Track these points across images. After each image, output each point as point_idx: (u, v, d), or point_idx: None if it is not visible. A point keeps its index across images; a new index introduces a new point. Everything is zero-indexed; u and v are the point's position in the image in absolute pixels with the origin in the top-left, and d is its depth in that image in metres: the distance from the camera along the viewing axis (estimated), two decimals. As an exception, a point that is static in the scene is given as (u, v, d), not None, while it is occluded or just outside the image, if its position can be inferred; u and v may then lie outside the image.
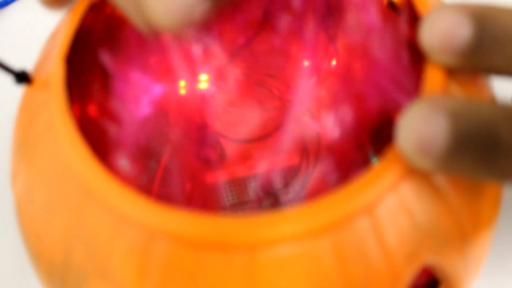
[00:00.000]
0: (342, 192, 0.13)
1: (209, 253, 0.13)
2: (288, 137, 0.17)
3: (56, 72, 0.15)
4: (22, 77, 0.17)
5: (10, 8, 0.34)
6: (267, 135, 0.23)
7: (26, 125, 0.17)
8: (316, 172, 0.22)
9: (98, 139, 0.16)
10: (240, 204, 0.22)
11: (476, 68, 0.15)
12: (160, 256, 0.13)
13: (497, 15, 0.14)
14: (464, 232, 0.15)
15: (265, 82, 0.23)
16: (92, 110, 0.18)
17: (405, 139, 0.13)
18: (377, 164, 0.14)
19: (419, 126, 0.13)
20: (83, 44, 0.17)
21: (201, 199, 0.22)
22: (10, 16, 0.34)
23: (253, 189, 0.22)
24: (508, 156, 0.13)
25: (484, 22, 0.14)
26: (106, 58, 0.17)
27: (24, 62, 0.30)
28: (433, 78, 0.15)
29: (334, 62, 0.23)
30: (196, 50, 0.19)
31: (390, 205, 0.14)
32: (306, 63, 0.22)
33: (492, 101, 0.16)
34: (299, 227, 0.13)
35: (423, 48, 0.15)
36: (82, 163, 0.14)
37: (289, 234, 0.13)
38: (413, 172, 0.14)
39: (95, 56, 0.17)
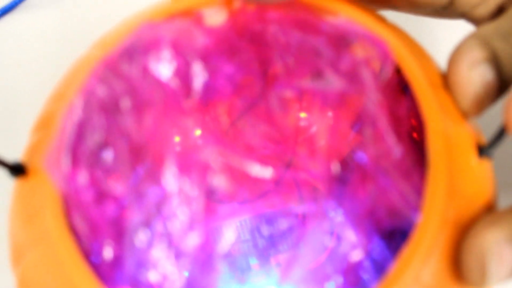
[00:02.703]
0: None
1: None
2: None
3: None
4: (17, 170, 0.16)
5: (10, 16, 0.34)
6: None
7: (27, 217, 0.16)
8: None
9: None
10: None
11: None
12: None
13: None
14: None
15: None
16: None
17: (490, 272, 0.15)
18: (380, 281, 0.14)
19: (501, 257, 0.14)
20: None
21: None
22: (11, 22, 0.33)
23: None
24: None
25: None
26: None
27: (24, 69, 0.30)
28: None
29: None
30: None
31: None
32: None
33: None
34: None
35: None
36: (81, 280, 0.14)
37: None
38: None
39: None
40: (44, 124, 0.18)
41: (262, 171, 0.21)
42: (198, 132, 0.21)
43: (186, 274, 0.18)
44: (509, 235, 0.15)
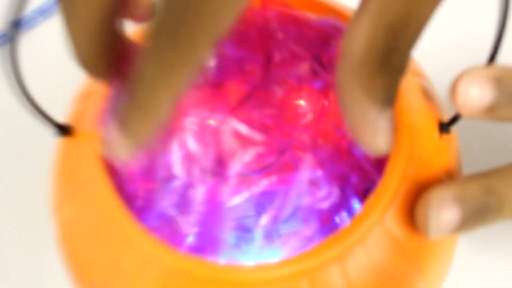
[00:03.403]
0: (320, 246, 0.17)
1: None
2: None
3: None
4: (63, 130, 0.20)
5: (37, 29, 0.38)
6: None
7: (69, 169, 0.20)
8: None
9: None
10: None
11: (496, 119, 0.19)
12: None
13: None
14: (417, 270, 0.19)
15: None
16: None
17: (431, 223, 0.18)
18: (350, 221, 0.18)
19: (441, 211, 0.18)
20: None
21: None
22: (37, 36, 0.37)
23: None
24: (494, 212, 0.19)
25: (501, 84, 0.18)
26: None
27: (50, 80, 0.34)
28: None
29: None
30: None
31: (357, 254, 0.17)
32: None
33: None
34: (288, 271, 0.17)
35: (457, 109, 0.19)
36: (119, 217, 0.17)
37: (277, 277, 0.17)
38: (377, 226, 0.18)
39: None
40: (86, 96, 0.22)
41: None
42: (209, 107, 0.24)
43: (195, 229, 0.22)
44: (453, 195, 0.18)
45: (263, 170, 0.26)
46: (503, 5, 0.18)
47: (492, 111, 0.19)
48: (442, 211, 0.18)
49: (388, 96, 0.16)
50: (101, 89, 0.21)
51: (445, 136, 0.21)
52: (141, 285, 0.17)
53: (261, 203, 0.25)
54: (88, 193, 0.19)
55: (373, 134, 0.17)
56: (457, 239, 0.22)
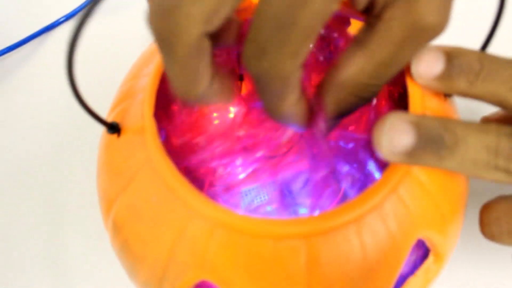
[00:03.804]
0: (361, 196, 0.19)
1: (260, 240, 0.19)
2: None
3: (148, 124, 0.21)
4: (113, 128, 0.23)
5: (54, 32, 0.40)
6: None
7: (121, 162, 0.22)
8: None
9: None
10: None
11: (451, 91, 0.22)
12: (243, 246, 0.19)
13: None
14: (442, 212, 0.22)
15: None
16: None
17: (384, 143, 0.19)
18: (382, 175, 0.20)
19: (393, 132, 0.19)
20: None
21: None
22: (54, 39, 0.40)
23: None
24: (448, 149, 0.20)
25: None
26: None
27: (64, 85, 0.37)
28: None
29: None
30: None
31: (392, 202, 0.20)
32: None
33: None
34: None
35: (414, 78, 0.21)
36: (182, 187, 0.20)
37: (299, 233, 0.19)
38: (406, 176, 0.20)
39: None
40: (126, 97, 0.24)
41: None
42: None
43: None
44: (409, 119, 0.20)
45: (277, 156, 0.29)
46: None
47: (443, 81, 0.21)
48: (395, 132, 0.19)
49: (350, 110, 0.21)
50: (139, 89, 0.23)
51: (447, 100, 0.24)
52: (208, 251, 0.19)
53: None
54: (143, 179, 0.21)
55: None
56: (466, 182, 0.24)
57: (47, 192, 0.35)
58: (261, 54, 0.17)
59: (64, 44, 0.40)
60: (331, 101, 0.21)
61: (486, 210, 0.22)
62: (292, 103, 0.19)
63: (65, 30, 0.42)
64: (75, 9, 0.43)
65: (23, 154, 0.37)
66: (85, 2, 0.43)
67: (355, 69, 0.20)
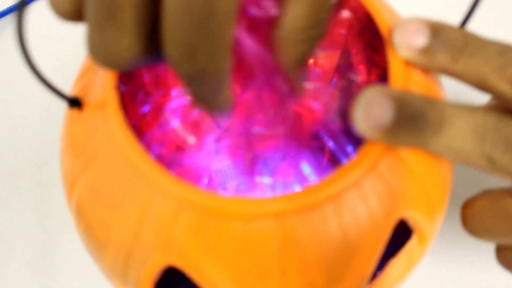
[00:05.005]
0: (338, 172, 0.18)
1: (229, 221, 0.18)
2: None
3: (110, 98, 0.19)
4: (74, 103, 0.21)
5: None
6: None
7: (83, 139, 0.21)
8: None
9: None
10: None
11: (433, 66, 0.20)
12: (211, 227, 0.18)
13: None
14: (428, 193, 0.20)
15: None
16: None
17: (361, 118, 0.18)
18: (360, 151, 0.19)
19: (371, 107, 0.18)
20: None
21: None
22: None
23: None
24: (432, 129, 0.19)
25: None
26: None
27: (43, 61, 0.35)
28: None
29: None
30: None
31: (371, 179, 0.19)
32: None
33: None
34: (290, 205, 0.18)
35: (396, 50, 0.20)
36: (146, 165, 0.18)
37: (273, 212, 0.18)
38: (386, 153, 0.19)
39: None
40: (89, 70, 0.22)
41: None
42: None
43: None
44: (391, 94, 0.19)
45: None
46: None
47: (426, 54, 0.20)
48: (373, 106, 0.18)
49: (304, 58, 0.19)
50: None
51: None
52: (175, 233, 0.18)
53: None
54: (105, 157, 0.20)
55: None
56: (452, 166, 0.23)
57: (34, 186, 0.33)
58: (191, 55, 0.15)
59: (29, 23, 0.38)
60: (288, 56, 0.19)
61: (469, 205, 0.21)
62: (229, 93, 0.18)
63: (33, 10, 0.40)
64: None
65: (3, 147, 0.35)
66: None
67: (291, 17, 0.18)
